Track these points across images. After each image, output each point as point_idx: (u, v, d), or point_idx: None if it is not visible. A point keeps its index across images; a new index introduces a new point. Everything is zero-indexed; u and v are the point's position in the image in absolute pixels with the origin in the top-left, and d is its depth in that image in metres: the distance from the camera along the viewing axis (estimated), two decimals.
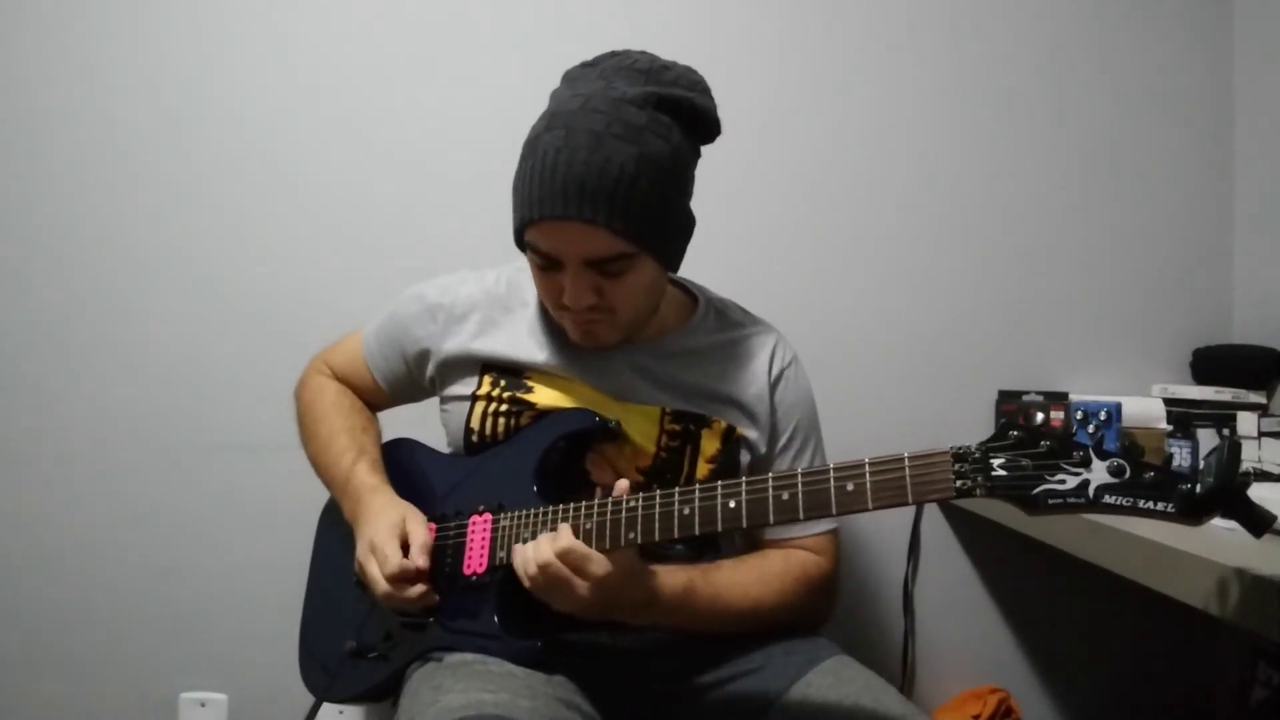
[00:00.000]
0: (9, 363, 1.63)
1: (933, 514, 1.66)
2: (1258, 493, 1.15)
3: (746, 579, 1.09)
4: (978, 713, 1.56)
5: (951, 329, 1.68)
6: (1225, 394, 1.52)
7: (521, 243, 1.09)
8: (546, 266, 1.05)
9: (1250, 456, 1.43)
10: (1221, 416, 1.48)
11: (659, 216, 1.04)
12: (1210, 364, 1.62)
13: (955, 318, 1.68)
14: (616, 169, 0.98)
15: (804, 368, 1.24)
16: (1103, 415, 1.47)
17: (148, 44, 1.63)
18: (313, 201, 1.64)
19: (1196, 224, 1.70)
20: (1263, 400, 1.52)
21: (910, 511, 1.65)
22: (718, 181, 1.62)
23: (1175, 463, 1.45)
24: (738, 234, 1.65)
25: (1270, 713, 1.48)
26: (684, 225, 1.10)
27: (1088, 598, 1.64)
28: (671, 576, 1.03)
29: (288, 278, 1.63)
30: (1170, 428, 1.48)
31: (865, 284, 1.68)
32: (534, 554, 0.95)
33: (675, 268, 1.12)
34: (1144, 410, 1.48)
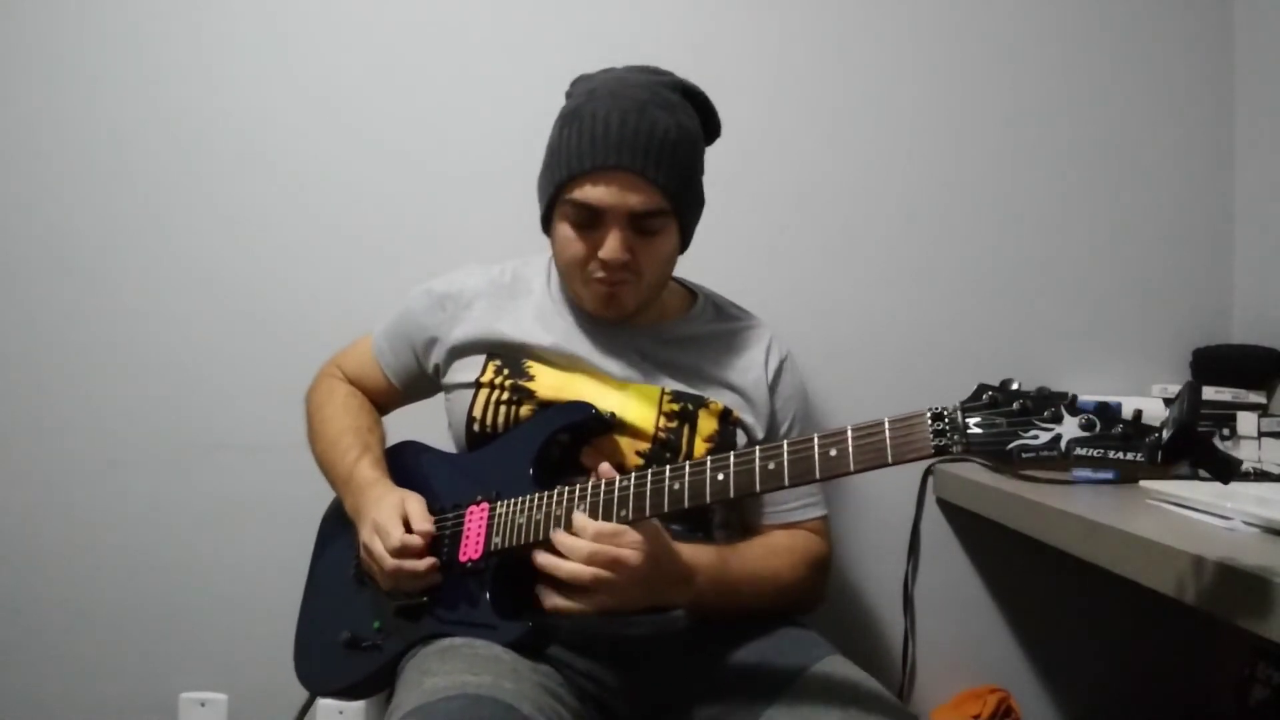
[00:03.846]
0: (9, 363, 1.63)
1: (933, 514, 1.66)
2: (1258, 492, 1.16)
3: (764, 553, 1.14)
4: (978, 712, 1.56)
5: (951, 329, 1.67)
6: (1225, 394, 1.52)
7: (549, 217, 1.15)
8: (586, 223, 1.11)
9: (1250, 456, 1.43)
10: (1221, 416, 1.48)
11: (690, 183, 1.14)
12: (1210, 364, 1.61)
13: (954, 317, 1.68)
14: (662, 130, 1.08)
15: (797, 363, 1.30)
16: None
17: (148, 44, 1.63)
18: (313, 201, 1.64)
19: (1196, 224, 1.70)
20: (1263, 400, 1.51)
21: (910, 511, 1.65)
22: (718, 179, 1.63)
23: None
24: (737, 232, 1.64)
25: (1270, 713, 1.48)
26: (702, 203, 1.19)
27: (1088, 598, 1.64)
28: (704, 550, 1.05)
29: (288, 278, 1.63)
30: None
31: (863, 283, 1.67)
32: (572, 552, 0.95)
33: (686, 244, 1.19)
34: (1144, 410, 1.48)
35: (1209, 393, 1.52)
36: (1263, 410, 1.49)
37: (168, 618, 1.62)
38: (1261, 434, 1.44)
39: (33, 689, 1.62)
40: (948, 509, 1.66)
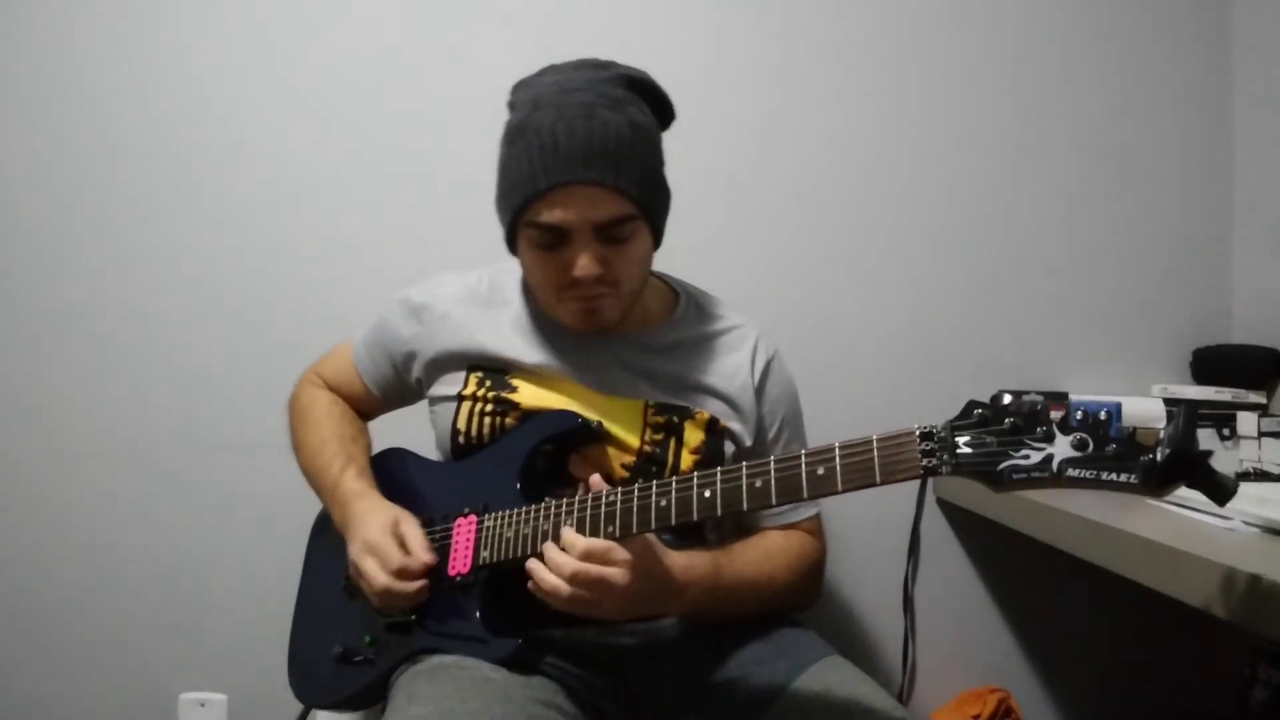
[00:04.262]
0: (8, 364, 1.63)
1: (933, 514, 1.67)
2: (1258, 492, 1.16)
3: (759, 556, 1.12)
4: (978, 713, 1.56)
5: (951, 329, 1.67)
6: (1225, 394, 1.52)
7: (512, 239, 1.10)
8: (551, 244, 1.06)
9: (1250, 456, 1.43)
10: (1221, 416, 1.48)
11: (653, 181, 1.08)
12: (1210, 364, 1.62)
13: (955, 318, 1.68)
14: (614, 133, 1.02)
15: (785, 360, 1.25)
16: (1102, 415, 1.47)
17: (141, 46, 1.63)
18: (310, 204, 1.64)
19: (1196, 224, 1.70)
20: (1263, 400, 1.52)
21: (910, 511, 1.65)
22: (719, 180, 1.64)
23: None
24: (738, 233, 1.65)
25: (1270, 713, 1.48)
26: (668, 195, 1.13)
27: (1088, 598, 1.64)
28: (699, 558, 1.04)
29: (285, 279, 1.63)
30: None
31: (864, 284, 1.67)
32: (557, 569, 0.94)
33: (659, 241, 1.14)
34: (1144, 410, 1.48)
35: (1209, 393, 1.52)
36: (1263, 410, 1.49)
37: (167, 618, 1.62)
38: (1261, 434, 1.44)
39: (33, 689, 1.62)
40: (948, 509, 1.66)
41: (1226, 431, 1.46)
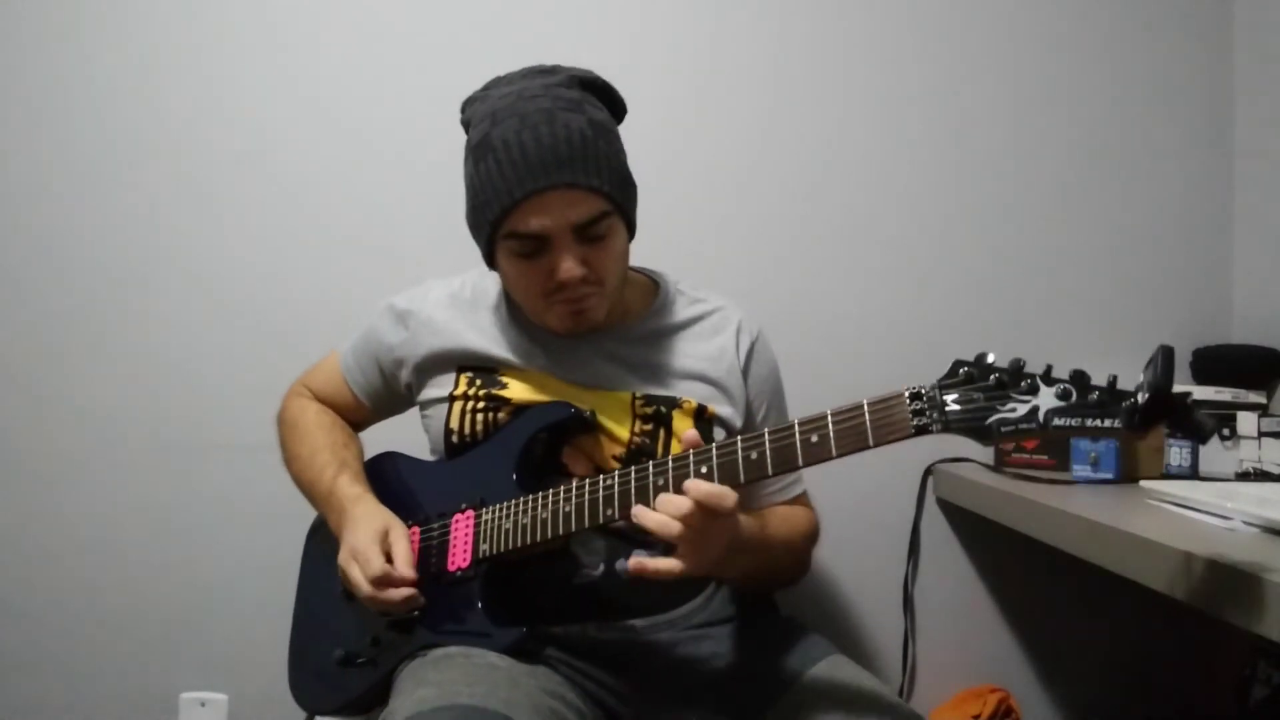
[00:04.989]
0: (7, 365, 1.63)
1: (933, 514, 1.67)
2: (1258, 492, 1.16)
3: (783, 523, 1.15)
4: (977, 712, 1.56)
5: (951, 330, 1.67)
6: (1225, 394, 1.52)
7: (491, 254, 1.10)
8: (532, 252, 1.06)
9: (1250, 456, 1.43)
10: (1221, 416, 1.48)
11: (621, 175, 1.09)
12: (1210, 364, 1.61)
13: (954, 319, 1.68)
14: (578, 134, 1.03)
15: (768, 340, 1.26)
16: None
17: (141, 43, 1.63)
18: (310, 202, 1.64)
19: (1196, 224, 1.70)
20: (1263, 400, 1.51)
21: (910, 511, 1.65)
22: (721, 179, 1.64)
23: (1175, 462, 1.45)
24: (738, 232, 1.65)
25: (1270, 712, 1.48)
26: (636, 187, 1.14)
27: (1088, 598, 1.64)
28: (748, 520, 1.03)
29: (285, 278, 1.63)
30: (1169, 428, 1.47)
31: (864, 284, 1.67)
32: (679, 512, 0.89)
33: (634, 232, 1.14)
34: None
35: (1209, 393, 1.52)
36: (1263, 410, 1.49)
37: (168, 618, 1.63)
38: (1261, 434, 1.44)
39: (33, 689, 1.62)
40: (948, 509, 1.66)
41: (1226, 431, 1.46)
